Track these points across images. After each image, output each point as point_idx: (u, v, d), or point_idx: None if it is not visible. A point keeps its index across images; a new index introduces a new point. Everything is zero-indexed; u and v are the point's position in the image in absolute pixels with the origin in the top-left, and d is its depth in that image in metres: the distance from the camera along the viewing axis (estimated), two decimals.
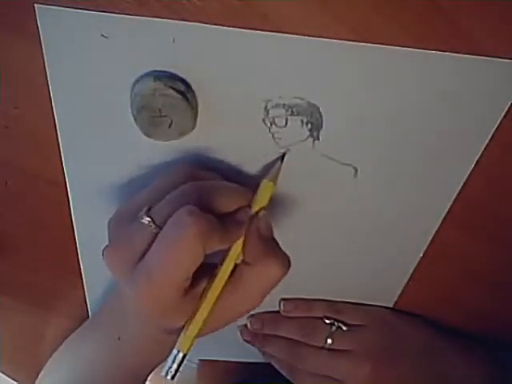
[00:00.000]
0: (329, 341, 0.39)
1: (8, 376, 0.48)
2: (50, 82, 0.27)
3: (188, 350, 0.26)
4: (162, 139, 0.28)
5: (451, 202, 0.34)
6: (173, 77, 0.26)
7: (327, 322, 0.40)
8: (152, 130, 0.27)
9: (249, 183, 0.29)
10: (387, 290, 0.41)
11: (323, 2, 0.24)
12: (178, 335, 0.27)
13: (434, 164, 0.32)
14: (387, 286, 0.40)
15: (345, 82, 0.27)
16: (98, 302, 0.41)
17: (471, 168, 0.32)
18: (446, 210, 0.34)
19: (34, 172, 0.32)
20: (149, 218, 0.25)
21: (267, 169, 0.31)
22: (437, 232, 0.36)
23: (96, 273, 0.39)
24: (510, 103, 0.28)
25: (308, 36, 0.25)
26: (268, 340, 0.42)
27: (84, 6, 0.24)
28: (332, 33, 0.25)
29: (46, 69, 0.27)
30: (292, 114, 0.29)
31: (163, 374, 0.26)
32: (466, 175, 0.32)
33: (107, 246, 0.27)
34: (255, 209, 0.28)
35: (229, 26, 0.25)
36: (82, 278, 0.39)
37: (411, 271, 0.39)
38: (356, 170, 0.32)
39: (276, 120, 0.29)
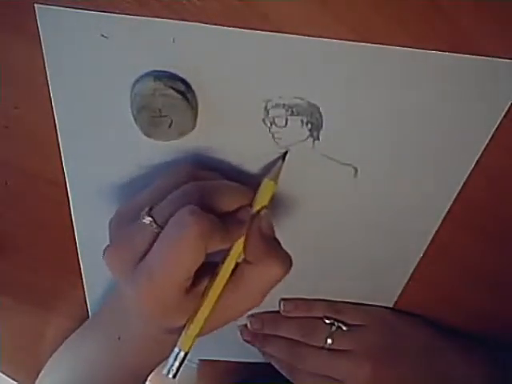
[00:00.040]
0: (329, 341, 0.39)
1: (8, 376, 0.48)
2: (50, 82, 0.27)
3: (189, 348, 0.27)
4: (162, 139, 0.28)
5: (451, 202, 0.34)
6: (173, 77, 0.26)
7: (327, 322, 0.40)
8: (152, 130, 0.27)
9: (249, 183, 0.29)
10: (387, 290, 0.41)
11: (323, 2, 0.24)
12: (179, 334, 0.27)
13: (434, 164, 0.32)
14: (387, 286, 0.40)
15: (345, 82, 0.27)
16: (98, 301, 0.41)
17: (471, 168, 0.32)
18: (446, 210, 0.34)
19: (34, 172, 0.32)
20: (150, 218, 0.25)
21: (268, 168, 0.31)
22: (437, 232, 0.36)
23: (96, 273, 0.39)
24: (510, 103, 0.28)
25: (308, 36, 0.25)
26: (268, 340, 0.42)
27: (84, 6, 0.24)
28: (332, 33, 0.25)
29: (46, 69, 0.27)
30: (292, 114, 0.29)
31: (165, 372, 0.26)
32: (466, 175, 0.32)
33: (108, 246, 0.27)
34: (256, 208, 0.28)
35: (229, 26, 0.25)
36: (82, 278, 0.39)
37: (411, 271, 0.39)
38: (356, 170, 0.32)
39: (276, 120, 0.29)
